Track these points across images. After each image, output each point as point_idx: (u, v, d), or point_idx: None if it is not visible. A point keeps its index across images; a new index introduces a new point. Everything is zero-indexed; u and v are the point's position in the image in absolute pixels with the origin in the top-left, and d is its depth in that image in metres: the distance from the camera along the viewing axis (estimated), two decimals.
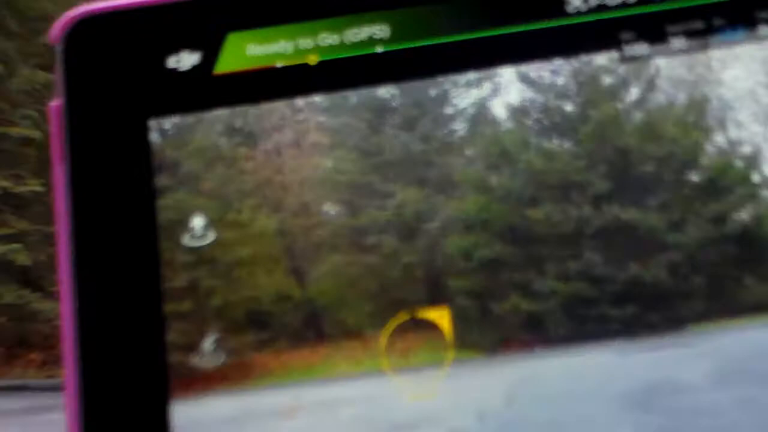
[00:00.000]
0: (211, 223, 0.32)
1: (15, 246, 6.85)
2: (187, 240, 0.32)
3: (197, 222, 0.32)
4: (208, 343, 0.32)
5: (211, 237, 0.33)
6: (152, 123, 0.32)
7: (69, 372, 0.30)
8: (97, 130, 0.31)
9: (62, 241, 0.30)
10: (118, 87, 0.32)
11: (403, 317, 0.32)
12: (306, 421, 0.31)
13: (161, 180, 0.32)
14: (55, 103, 0.31)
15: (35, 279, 6.97)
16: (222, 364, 0.32)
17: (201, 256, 0.32)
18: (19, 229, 7.30)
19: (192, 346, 0.32)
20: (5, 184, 7.48)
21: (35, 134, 7.27)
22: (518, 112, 0.34)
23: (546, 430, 0.30)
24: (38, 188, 7.21)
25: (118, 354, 0.30)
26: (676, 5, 0.32)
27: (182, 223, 0.32)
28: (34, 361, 6.50)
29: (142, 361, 0.30)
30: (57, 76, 0.32)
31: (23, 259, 6.66)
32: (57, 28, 0.31)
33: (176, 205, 0.32)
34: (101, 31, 0.32)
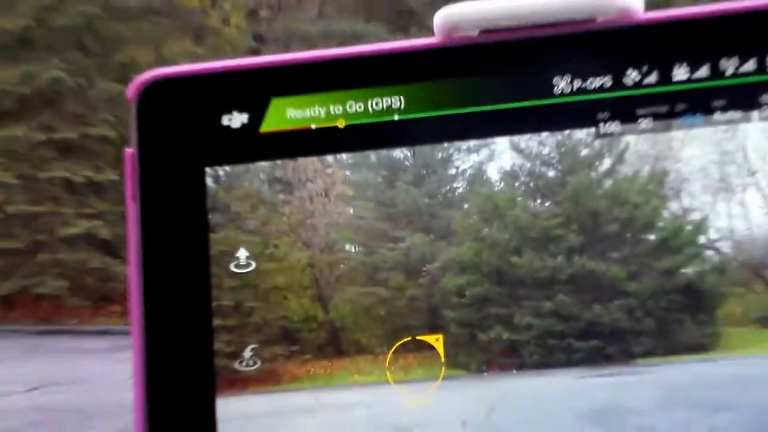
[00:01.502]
0: (253, 255, 0.38)
1: (97, 222, 8.88)
2: (233, 268, 0.38)
3: (242, 253, 0.38)
4: (247, 351, 0.38)
5: (252, 266, 0.39)
6: (208, 171, 0.38)
7: (137, 368, 0.36)
8: (163, 175, 0.37)
9: (133, 265, 0.36)
10: (181, 139, 0.38)
11: (405, 339, 0.38)
12: (325, 418, 0.37)
13: (214, 218, 0.38)
14: (129, 150, 0.37)
15: (114, 248, 8.85)
16: (258, 370, 0.38)
17: (244, 282, 0.38)
18: (100, 210, 9.34)
19: (235, 354, 0.38)
20: (88, 173, 9.49)
21: (111, 134, 9.31)
22: (509, 176, 0.38)
23: None
24: (114, 177, 9.07)
25: (177, 357, 0.36)
26: (645, 92, 0.37)
27: (230, 254, 0.38)
28: (115, 312, 8.32)
29: (196, 364, 0.36)
30: (131, 128, 0.38)
31: (104, 233, 8.67)
32: (132, 88, 0.37)
33: (225, 239, 0.38)
34: (168, 92, 0.38)
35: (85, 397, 3.99)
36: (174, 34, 10.66)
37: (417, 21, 11.74)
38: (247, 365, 0.38)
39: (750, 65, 0.37)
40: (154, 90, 0.38)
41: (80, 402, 3.88)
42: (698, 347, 0.37)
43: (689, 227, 0.38)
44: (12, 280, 8.89)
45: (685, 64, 0.37)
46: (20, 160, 9.02)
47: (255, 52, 12.30)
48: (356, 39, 11.79)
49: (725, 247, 0.38)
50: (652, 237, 0.38)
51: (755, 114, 0.37)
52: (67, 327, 7.92)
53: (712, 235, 0.38)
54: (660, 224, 0.38)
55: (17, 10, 9.19)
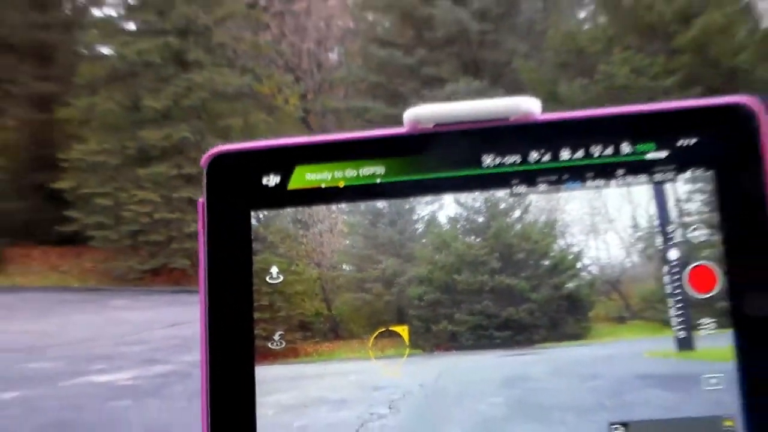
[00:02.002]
0: (282, 271, 0.49)
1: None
2: (268, 279, 0.49)
3: (274, 270, 0.49)
4: (276, 335, 0.48)
5: (281, 279, 0.49)
6: (253, 214, 0.49)
7: (203, 344, 0.47)
8: (223, 216, 0.49)
9: (201, 276, 0.48)
10: (234, 192, 0.49)
11: (382, 329, 0.49)
12: (329, 382, 0.48)
13: (256, 246, 0.49)
14: (200, 200, 0.48)
15: None
16: (284, 348, 0.49)
17: (275, 289, 0.49)
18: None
19: (268, 337, 0.48)
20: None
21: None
22: (452, 220, 0.49)
23: (456, 394, 0.47)
24: None
25: (229, 337, 0.48)
26: (541, 167, 0.47)
27: (266, 270, 0.49)
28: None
29: (242, 342, 0.48)
30: (203, 184, 0.48)
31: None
32: (204, 158, 0.49)
33: (263, 260, 0.49)
34: (227, 161, 0.49)
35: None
36: (254, 109, 16.83)
37: (404, 100, 15.96)
38: (277, 345, 0.49)
39: (609, 150, 0.47)
40: (218, 160, 0.49)
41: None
42: (576, 336, 0.48)
43: (570, 256, 0.48)
44: (157, 258, 15.06)
45: (568, 148, 0.47)
46: (162, 186, 15.01)
47: (304, 120, 20.72)
48: (366, 112, 18.39)
49: (594, 269, 0.48)
50: (546, 262, 0.49)
51: (613, 182, 0.47)
52: (189, 288, 11.92)
53: (585, 261, 0.48)
54: (552, 254, 0.48)
55: (161, 96, 15.12)
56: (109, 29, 16.56)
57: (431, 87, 16.57)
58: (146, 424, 3.63)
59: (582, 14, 19.13)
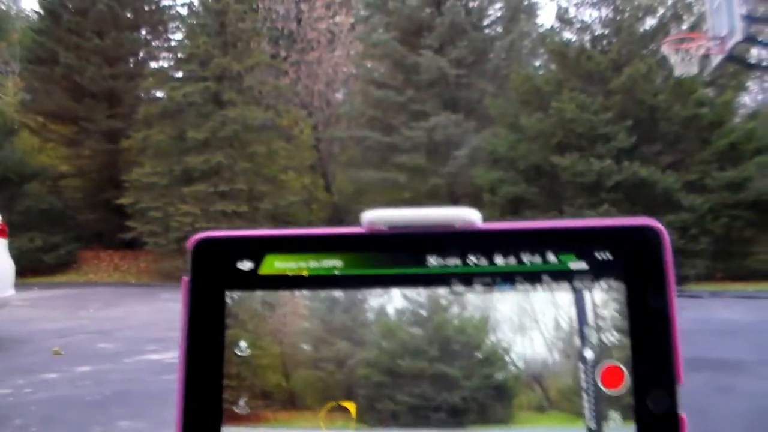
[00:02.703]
0: (249, 345, 0.53)
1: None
2: (237, 351, 0.53)
3: (243, 344, 0.53)
4: (242, 402, 0.53)
5: (248, 352, 0.53)
6: (227, 293, 0.53)
7: (179, 401, 0.52)
8: (202, 293, 0.55)
9: (180, 344, 0.54)
10: (213, 273, 0.55)
11: (332, 404, 0.52)
12: None
13: (228, 321, 0.54)
14: (185, 278, 0.55)
15: None
16: (247, 413, 0.52)
17: (243, 360, 0.53)
18: (237, 225, 15.81)
19: (234, 402, 0.53)
20: (233, 208, 19.82)
21: (244, 188, 19.02)
22: (399, 312, 0.53)
23: None
24: (244, 209, 17.98)
25: (201, 398, 0.53)
26: (478, 270, 0.52)
27: (236, 343, 0.53)
28: None
29: (211, 405, 0.53)
30: (187, 264, 0.54)
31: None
32: (190, 241, 0.55)
33: (234, 334, 0.54)
34: (208, 246, 0.55)
35: None
36: (276, 138, 21.04)
37: (396, 130, 21.19)
38: (242, 410, 0.53)
39: (537, 258, 0.52)
40: (202, 244, 0.55)
41: None
42: (501, 421, 0.51)
43: (500, 350, 0.52)
44: None
45: (501, 255, 0.52)
46: (201, 201, 18.53)
47: (315, 147, 25.32)
48: (365, 139, 22.76)
49: (520, 363, 0.52)
50: (479, 354, 0.52)
51: (539, 287, 0.52)
52: None
53: (513, 356, 0.52)
54: (484, 347, 0.52)
55: (202, 129, 18.94)
56: (162, 77, 22.20)
57: (417, 120, 20.89)
58: None
59: (537, 62, 24.27)
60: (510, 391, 0.53)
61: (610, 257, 0.52)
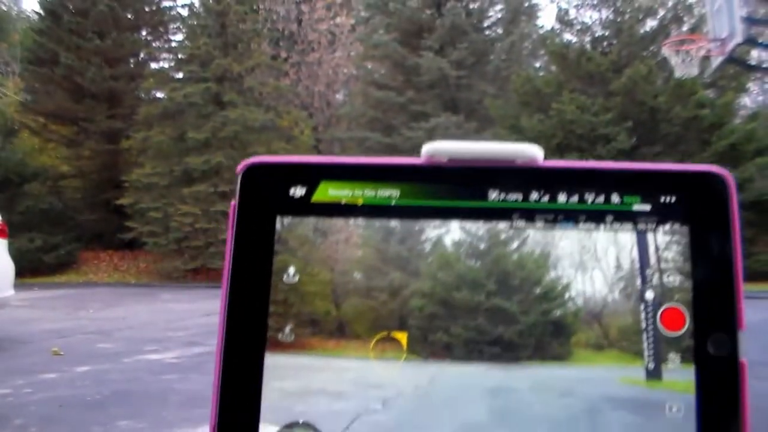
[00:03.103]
0: (298, 272, 0.53)
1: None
2: (284, 278, 0.53)
3: (291, 270, 0.53)
4: (287, 329, 0.52)
5: (297, 279, 0.53)
6: (279, 218, 0.53)
7: (220, 331, 0.51)
8: (251, 218, 0.53)
9: (225, 266, 0.52)
10: (264, 198, 0.53)
11: (383, 333, 0.52)
12: (330, 375, 0.52)
13: (277, 247, 0.53)
14: (233, 202, 0.53)
15: None
16: (292, 341, 0.52)
17: (290, 287, 0.53)
18: None
19: (279, 329, 0.52)
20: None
21: None
22: (456, 244, 0.52)
23: (445, 399, 0.51)
24: None
25: (244, 327, 0.52)
26: (540, 206, 0.52)
27: (284, 270, 0.53)
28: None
29: (255, 332, 0.52)
30: (236, 189, 0.53)
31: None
32: (239, 167, 0.53)
33: (282, 260, 0.53)
34: (259, 171, 0.54)
35: None
36: (276, 139, 20.24)
37: (396, 131, 20.57)
38: (287, 337, 0.52)
39: (601, 199, 0.52)
40: (252, 169, 0.54)
41: None
42: (558, 358, 0.52)
43: (559, 287, 0.52)
44: (197, 260, 18.40)
45: (564, 193, 0.52)
46: (201, 202, 18.14)
47: (316, 147, 24.17)
48: (365, 141, 21.99)
49: (579, 301, 0.52)
50: (538, 290, 0.52)
51: (602, 226, 0.52)
52: None
53: (572, 293, 0.52)
54: (543, 283, 0.52)
55: (202, 129, 18.55)
56: (162, 78, 21.69)
57: (418, 121, 20.49)
58: (189, 393, 4.37)
59: (538, 64, 23.87)
60: (568, 328, 0.53)
61: (675, 201, 0.52)
